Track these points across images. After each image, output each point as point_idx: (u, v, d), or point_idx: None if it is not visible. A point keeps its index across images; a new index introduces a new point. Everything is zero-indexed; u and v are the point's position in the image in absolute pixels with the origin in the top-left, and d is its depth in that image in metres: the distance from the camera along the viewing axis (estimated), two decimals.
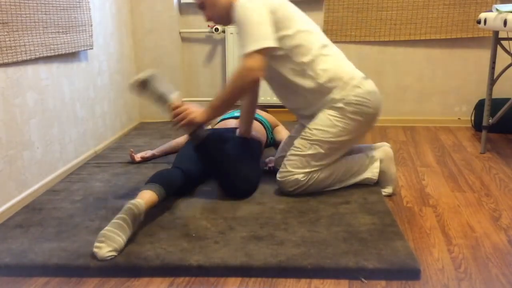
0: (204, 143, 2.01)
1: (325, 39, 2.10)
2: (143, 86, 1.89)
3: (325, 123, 2.04)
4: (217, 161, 2.05)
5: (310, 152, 2.05)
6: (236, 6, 1.95)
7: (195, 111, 1.96)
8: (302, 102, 2.11)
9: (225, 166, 2.05)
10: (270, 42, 1.90)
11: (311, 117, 2.11)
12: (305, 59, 2.01)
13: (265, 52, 1.90)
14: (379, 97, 2.10)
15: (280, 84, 2.12)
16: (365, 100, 2.04)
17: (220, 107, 1.99)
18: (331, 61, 2.05)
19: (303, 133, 2.09)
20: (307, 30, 2.03)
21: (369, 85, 2.08)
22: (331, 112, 2.04)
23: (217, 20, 2.10)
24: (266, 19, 1.92)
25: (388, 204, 2.04)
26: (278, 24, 1.96)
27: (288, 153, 2.10)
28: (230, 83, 1.94)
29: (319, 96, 2.05)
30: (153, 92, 1.91)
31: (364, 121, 2.07)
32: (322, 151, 2.05)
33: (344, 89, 2.02)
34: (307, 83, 2.03)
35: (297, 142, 2.09)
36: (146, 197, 1.79)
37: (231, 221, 1.87)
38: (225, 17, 2.05)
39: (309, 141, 2.06)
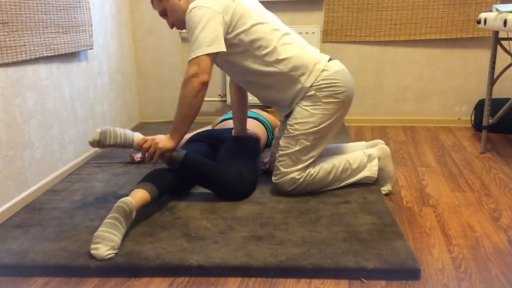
0: (183, 163, 2.01)
1: (285, 28, 2.10)
2: (100, 144, 1.92)
3: (303, 115, 2.05)
4: (204, 174, 2.05)
5: (297, 148, 2.05)
6: (187, 12, 1.97)
7: (161, 140, 1.98)
8: (274, 94, 2.12)
9: (213, 174, 2.05)
10: (210, 48, 1.91)
11: (289, 111, 2.12)
12: (266, 50, 2.02)
13: (206, 57, 1.91)
14: (348, 74, 2.10)
15: (250, 80, 2.13)
16: (335, 81, 2.04)
17: (181, 125, 1.98)
18: (293, 49, 2.05)
19: (285, 131, 2.10)
20: (263, 22, 2.03)
21: (336, 65, 2.08)
22: (306, 102, 2.05)
23: (180, 26, 2.11)
24: (212, 23, 1.92)
25: (388, 204, 2.04)
26: (232, 23, 1.98)
27: (277, 155, 2.11)
28: (180, 96, 1.95)
29: (288, 85, 2.06)
30: (112, 145, 1.95)
31: (340, 101, 2.06)
32: (308, 143, 2.05)
33: (310, 75, 2.03)
34: (273, 73, 2.04)
35: (282, 142, 2.09)
36: (137, 195, 1.81)
37: (231, 221, 1.87)
38: (182, 22, 2.06)
39: (293, 138, 2.06)
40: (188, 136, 2.76)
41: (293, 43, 2.07)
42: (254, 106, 3.28)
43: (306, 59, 2.04)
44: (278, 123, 2.89)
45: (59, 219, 1.94)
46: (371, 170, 2.17)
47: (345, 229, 1.79)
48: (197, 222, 1.87)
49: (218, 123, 2.78)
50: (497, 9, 2.53)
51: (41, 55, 2.25)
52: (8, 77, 2.04)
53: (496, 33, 2.75)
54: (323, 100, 2.03)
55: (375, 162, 2.17)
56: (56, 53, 2.38)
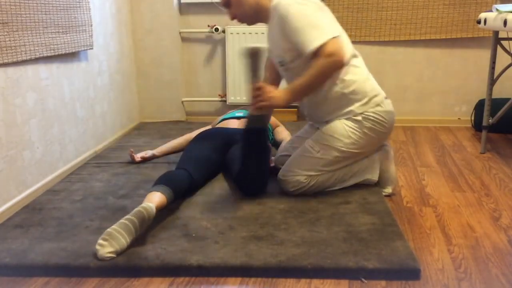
0: (258, 130, 2.00)
1: (354, 50, 2.10)
2: (254, 55, 1.90)
3: (340, 132, 2.05)
4: (256, 152, 2.03)
5: (318, 156, 2.06)
6: (280, 5, 1.93)
7: (275, 92, 1.92)
8: (322, 109, 2.11)
9: (258, 160, 2.04)
10: (336, 32, 1.90)
11: (325, 123, 2.12)
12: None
13: (337, 39, 1.89)
14: (395, 118, 2.14)
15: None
16: (383, 120, 2.06)
17: (301, 92, 1.96)
18: (360, 73, 2.06)
19: (315, 136, 2.09)
20: (342, 37, 2.00)
21: (389, 106, 2.11)
22: (349, 123, 2.05)
23: (243, 19, 2.08)
24: (320, 13, 1.93)
25: (388, 204, 2.04)
26: None
27: (295, 153, 2.10)
28: (315, 71, 1.89)
29: (341, 105, 2.05)
30: (254, 64, 1.91)
31: (377, 139, 2.09)
32: (329, 157, 2.05)
33: (366, 104, 2.04)
34: (333, 91, 2.03)
35: (308, 144, 2.09)
36: (156, 200, 1.77)
37: (231, 221, 1.87)
38: (253, 16, 2.05)
39: (320, 145, 2.06)
40: (188, 136, 2.76)
41: (360, 67, 2.08)
42: None
43: (368, 87, 2.05)
44: (279, 123, 2.89)
45: (59, 219, 1.94)
46: (372, 173, 2.17)
47: (345, 229, 1.79)
48: (197, 222, 1.87)
49: (218, 123, 2.78)
50: (497, 9, 2.53)
51: (41, 55, 2.25)
52: (8, 77, 2.04)
53: (496, 33, 2.75)
54: (364, 130, 2.05)
55: (377, 164, 2.18)
56: (56, 53, 2.38)
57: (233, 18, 2.09)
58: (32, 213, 2.01)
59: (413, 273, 1.53)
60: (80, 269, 1.58)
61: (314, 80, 1.92)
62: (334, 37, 1.87)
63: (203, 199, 2.09)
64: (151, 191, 1.83)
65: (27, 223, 1.91)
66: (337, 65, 1.90)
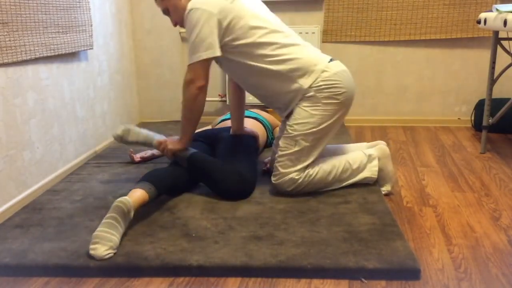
0: (189, 162, 2.09)
1: (285, 29, 2.10)
2: (123, 140, 2.21)
3: (303, 115, 2.05)
4: (206, 173, 2.08)
5: (296, 148, 2.05)
6: (185, 13, 1.99)
7: (172, 142, 2.14)
8: (271, 94, 2.12)
9: (214, 174, 2.07)
10: (205, 54, 1.98)
11: (289, 111, 2.12)
12: (264, 52, 2.02)
13: (201, 63, 1.99)
14: (349, 75, 2.10)
15: (248, 80, 2.14)
16: (335, 82, 2.03)
17: (187, 127, 2.11)
18: (293, 51, 2.05)
19: (285, 132, 2.10)
20: (262, 24, 2.03)
21: (336, 66, 2.07)
22: (305, 103, 2.05)
23: (183, 24, 2.11)
24: (207, 26, 1.96)
25: (388, 204, 2.04)
26: (230, 25, 1.99)
27: (276, 155, 2.11)
28: (182, 101, 2.06)
29: (286, 86, 2.06)
30: (134, 143, 2.22)
31: (340, 102, 2.06)
32: (307, 144, 2.05)
33: (310, 76, 2.03)
34: (271, 74, 2.04)
35: (281, 142, 2.09)
36: (135, 195, 1.81)
37: (231, 221, 1.87)
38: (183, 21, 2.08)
39: (292, 138, 2.06)
40: None
41: (293, 44, 2.06)
42: (254, 106, 3.29)
43: (306, 60, 2.04)
44: (278, 123, 2.89)
45: (59, 219, 1.94)
46: (371, 171, 2.17)
47: (345, 229, 1.79)
48: (197, 222, 1.87)
49: (218, 123, 2.78)
50: (497, 9, 2.53)
51: (41, 55, 2.25)
52: (8, 77, 2.04)
53: (496, 33, 2.75)
54: (323, 101, 2.03)
55: (375, 162, 2.17)
56: (56, 53, 2.38)
57: (175, 24, 2.17)
58: (32, 213, 2.01)
59: (413, 273, 1.53)
60: (80, 269, 1.58)
61: (186, 111, 2.07)
62: (200, 60, 1.97)
63: (203, 199, 2.09)
64: (132, 189, 1.86)
65: (27, 223, 1.91)
66: (196, 91, 2.02)
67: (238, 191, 2.08)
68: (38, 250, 1.68)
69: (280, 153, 2.08)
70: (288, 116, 2.15)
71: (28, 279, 1.58)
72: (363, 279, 1.53)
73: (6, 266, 1.61)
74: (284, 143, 2.08)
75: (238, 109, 2.42)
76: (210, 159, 2.12)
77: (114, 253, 1.63)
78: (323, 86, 2.03)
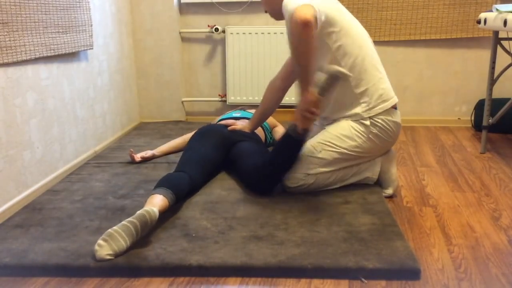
0: (298, 139, 2.01)
1: (371, 46, 2.12)
2: (335, 78, 1.92)
3: (346, 133, 2.06)
4: (287, 155, 2.05)
5: (320, 156, 2.06)
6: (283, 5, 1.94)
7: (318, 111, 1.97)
8: (329, 105, 2.10)
9: (285, 161, 2.06)
10: (311, 1, 1.85)
11: (332, 121, 2.12)
12: (349, 62, 2.00)
13: (306, 5, 1.81)
14: (400, 130, 2.14)
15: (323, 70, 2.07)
16: (390, 129, 2.07)
17: (303, 74, 1.90)
18: (374, 76, 2.04)
19: (320, 135, 2.09)
20: (358, 35, 2.04)
21: (398, 117, 2.11)
22: (356, 125, 2.06)
23: (274, 16, 2.14)
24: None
25: (388, 204, 2.04)
26: (326, 21, 1.94)
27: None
28: (295, 47, 1.87)
29: (347, 104, 2.06)
30: (331, 84, 1.93)
31: (380, 146, 2.09)
32: (330, 158, 2.06)
33: (373, 109, 2.04)
34: (344, 86, 2.02)
35: (310, 143, 2.08)
36: (159, 203, 1.76)
37: (231, 221, 1.87)
38: (279, 12, 2.04)
39: (323, 144, 2.06)
40: (188, 136, 2.76)
41: (375, 68, 2.07)
42: (252, 107, 3.28)
43: (380, 92, 2.05)
44: (277, 123, 2.89)
45: (59, 219, 1.94)
46: (372, 171, 2.17)
47: (345, 229, 1.79)
48: (197, 222, 1.87)
49: (217, 122, 2.78)
50: (497, 9, 2.53)
51: (41, 55, 2.25)
52: (8, 77, 2.04)
53: (496, 33, 2.75)
54: (370, 136, 2.05)
55: (378, 164, 2.18)
56: (56, 53, 2.38)
57: (266, 12, 2.19)
58: (32, 213, 2.01)
59: (413, 273, 1.53)
60: (80, 269, 1.58)
61: (298, 51, 1.86)
62: (306, 4, 1.82)
63: (203, 199, 2.09)
64: (153, 194, 1.82)
65: (27, 223, 1.91)
66: (302, 23, 1.77)
67: (269, 185, 2.12)
68: (38, 250, 1.68)
69: (303, 150, 2.07)
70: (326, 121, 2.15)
71: (28, 279, 1.58)
72: (363, 279, 1.53)
73: (6, 266, 1.61)
74: (313, 144, 2.07)
75: (264, 115, 2.43)
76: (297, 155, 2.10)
77: (115, 257, 1.61)
78: (379, 125, 2.05)
